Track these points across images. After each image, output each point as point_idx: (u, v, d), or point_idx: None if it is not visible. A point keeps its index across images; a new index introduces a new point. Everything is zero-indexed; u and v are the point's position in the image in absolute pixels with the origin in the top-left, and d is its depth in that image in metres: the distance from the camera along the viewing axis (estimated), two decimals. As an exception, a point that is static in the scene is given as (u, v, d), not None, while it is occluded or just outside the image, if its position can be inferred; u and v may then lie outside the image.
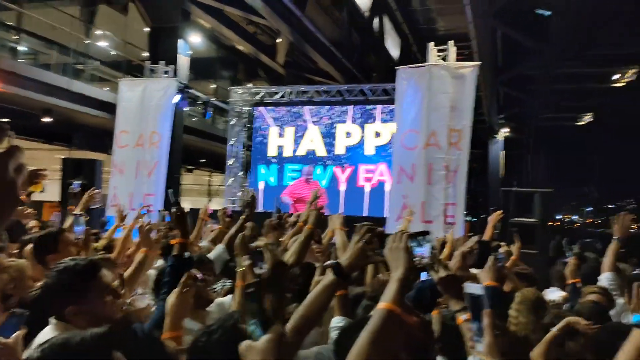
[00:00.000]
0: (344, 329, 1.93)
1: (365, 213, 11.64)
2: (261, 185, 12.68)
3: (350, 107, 12.18)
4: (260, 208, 10.88)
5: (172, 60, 11.28)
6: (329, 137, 12.31)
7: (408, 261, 1.48)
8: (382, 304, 1.41)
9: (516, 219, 7.26)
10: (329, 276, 1.66)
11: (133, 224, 4.19)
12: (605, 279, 3.64)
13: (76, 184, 4.72)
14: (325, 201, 11.54)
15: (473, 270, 3.05)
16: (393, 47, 17.74)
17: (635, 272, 5.09)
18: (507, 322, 2.73)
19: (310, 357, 1.93)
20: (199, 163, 19.88)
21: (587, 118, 28.15)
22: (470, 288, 1.55)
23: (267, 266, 1.40)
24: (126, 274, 3.23)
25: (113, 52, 14.75)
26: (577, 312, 2.74)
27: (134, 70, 13.42)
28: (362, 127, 12.10)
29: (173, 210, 2.55)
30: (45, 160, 13.52)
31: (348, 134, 12.21)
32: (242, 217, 3.54)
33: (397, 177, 8.45)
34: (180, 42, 12.23)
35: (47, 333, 1.83)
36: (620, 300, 3.50)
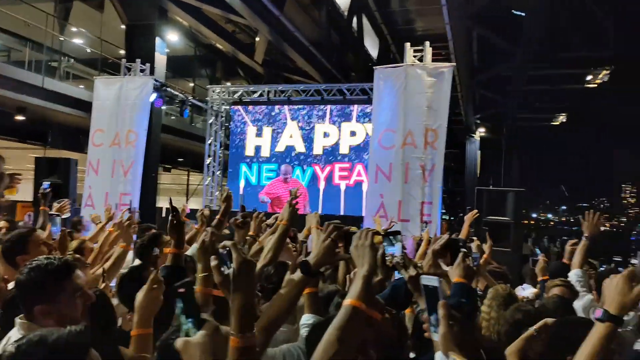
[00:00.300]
0: (314, 326, 1.96)
1: (342, 212, 11.67)
2: (242, 184, 12.65)
3: (328, 108, 12.21)
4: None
5: (149, 58, 11.16)
6: (307, 141, 12.34)
7: (373, 258, 1.51)
8: (348, 301, 1.44)
9: (490, 217, 7.38)
10: (297, 274, 1.68)
11: (112, 231, 4.16)
12: (574, 275, 3.73)
13: (46, 184, 4.69)
14: (305, 199, 11.56)
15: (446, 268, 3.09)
16: (372, 47, 17.81)
17: (602, 268, 5.23)
18: (478, 318, 2.78)
19: (279, 355, 1.95)
20: (177, 162, 19.72)
21: (562, 118, 28.75)
22: (426, 280, 1.58)
23: (234, 265, 1.40)
24: (105, 266, 3.24)
25: (88, 50, 14.53)
26: (543, 307, 2.81)
27: (110, 68, 13.26)
28: (339, 127, 12.15)
29: (170, 217, 2.47)
30: (19, 159, 13.27)
31: (326, 134, 12.24)
32: (217, 217, 3.52)
33: (374, 177, 8.51)
34: (157, 40, 12.11)
35: (14, 332, 1.81)
36: (588, 296, 3.59)
